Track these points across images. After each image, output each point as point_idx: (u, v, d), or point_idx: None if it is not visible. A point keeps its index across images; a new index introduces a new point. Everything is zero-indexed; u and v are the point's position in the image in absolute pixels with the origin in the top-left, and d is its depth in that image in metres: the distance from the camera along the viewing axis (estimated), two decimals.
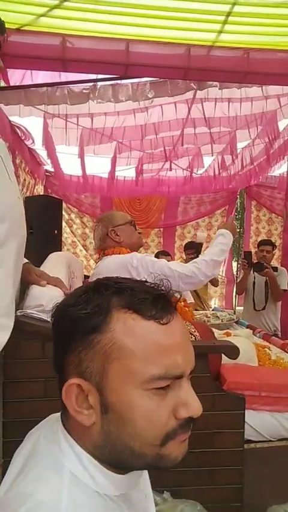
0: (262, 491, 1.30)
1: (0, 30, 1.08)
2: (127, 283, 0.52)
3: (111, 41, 2.62)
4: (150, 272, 1.44)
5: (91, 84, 2.99)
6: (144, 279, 0.55)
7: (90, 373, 0.48)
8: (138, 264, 1.49)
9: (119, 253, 1.60)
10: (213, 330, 1.78)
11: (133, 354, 0.47)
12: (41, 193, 5.00)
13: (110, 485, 0.49)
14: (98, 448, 0.49)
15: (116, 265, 1.53)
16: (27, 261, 1.27)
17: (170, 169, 4.71)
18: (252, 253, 3.54)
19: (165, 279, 0.53)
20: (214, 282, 3.93)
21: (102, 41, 2.61)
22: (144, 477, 0.61)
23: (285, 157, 4.34)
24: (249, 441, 1.34)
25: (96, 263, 1.77)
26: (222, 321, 2.76)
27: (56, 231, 3.51)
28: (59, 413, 0.55)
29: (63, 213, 5.62)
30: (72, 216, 5.79)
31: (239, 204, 7.01)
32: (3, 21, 1.08)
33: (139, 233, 1.74)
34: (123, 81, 3.01)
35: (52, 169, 4.74)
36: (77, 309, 0.49)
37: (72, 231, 5.79)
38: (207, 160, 4.84)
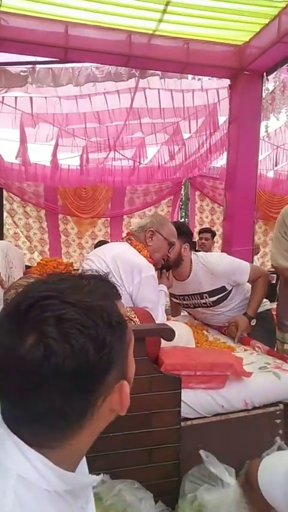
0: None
1: None
2: (90, 281, 0.53)
3: (49, 21, 2.53)
4: (137, 291, 1.55)
5: (30, 66, 2.87)
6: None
7: (125, 367, 0.52)
8: (143, 279, 1.55)
9: (139, 252, 1.65)
10: None
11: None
12: None
13: (60, 481, 0.49)
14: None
15: (133, 261, 1.58)
16: None
17: (115, 159, 4.69)
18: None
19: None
20: None
21: (40, 21, 2.51)
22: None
23: (225, 149, 4.51)
24: (186, 419, 1.40)
25: (120, 240, 1.83)
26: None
27: None
28: None
29: (5, 202, 5.37)
30: (15, 205, 5.50)
31: (183, 194, 7.17)
32: None
33: (168, 256, 1.82)
34: (64, 65, 2.92)
35: None
36: (107, 316, 0.48)
37: (14, 222, 5.52)
38: (152, 151, 4.88)
